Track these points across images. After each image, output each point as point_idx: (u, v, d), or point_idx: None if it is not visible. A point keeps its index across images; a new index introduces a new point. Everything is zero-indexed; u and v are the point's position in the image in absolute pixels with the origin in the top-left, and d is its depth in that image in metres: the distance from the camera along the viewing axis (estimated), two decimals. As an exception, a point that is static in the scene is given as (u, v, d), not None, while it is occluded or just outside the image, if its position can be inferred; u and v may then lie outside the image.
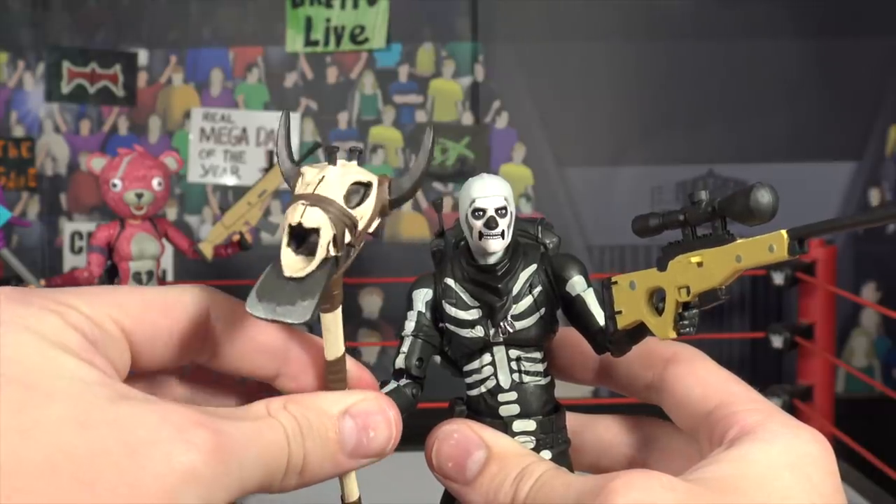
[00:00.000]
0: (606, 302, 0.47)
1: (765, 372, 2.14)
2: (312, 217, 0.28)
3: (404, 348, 0.44)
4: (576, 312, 0.48)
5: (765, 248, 0.56)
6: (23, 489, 0.22)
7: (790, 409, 1.98)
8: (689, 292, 0.47)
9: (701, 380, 0.34)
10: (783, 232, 0.57)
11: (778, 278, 1.92)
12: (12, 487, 0.22)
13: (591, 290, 0.52)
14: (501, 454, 0.33)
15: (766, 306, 2.19)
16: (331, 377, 0.31)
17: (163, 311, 0.29)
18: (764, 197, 0.58)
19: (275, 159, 2.22)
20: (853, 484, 1.72)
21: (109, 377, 0.26)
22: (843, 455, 1.86)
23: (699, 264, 0.50)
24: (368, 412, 0.30)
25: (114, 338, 0.27)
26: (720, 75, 2.16)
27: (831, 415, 1.95)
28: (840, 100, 2.15)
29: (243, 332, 0.30)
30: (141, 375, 0.30)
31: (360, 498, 0.35)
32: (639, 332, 0.49)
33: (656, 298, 0.47)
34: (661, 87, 2.16)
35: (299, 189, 0.29)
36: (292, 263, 0.28)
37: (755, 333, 2.09)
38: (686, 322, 0.45)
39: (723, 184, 2.12)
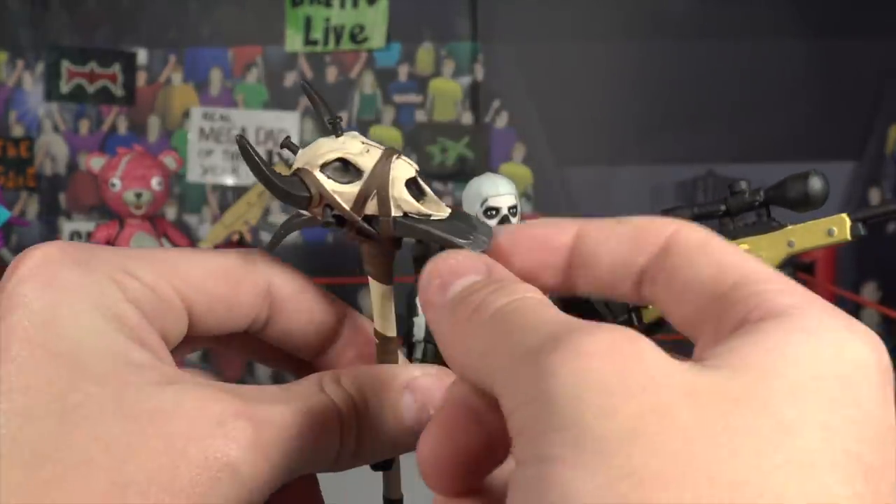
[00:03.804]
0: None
1: (764, 372, 2.14)
2: (411, 164, 0.29)
3: (418, 354, 0.44)
4: (578, 309, 0.48)
5: (822, 232, 0.57)
6: (58, 479, 0.22)
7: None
8: None
9: (715, 257, 0.23)
10: (844, 215, 0.58)
11: (778, 278, 1.92)
12: (50, 478, 0.22)
13: None
14: (499, 278, 0.24)
15: (766, 306, 2.19)
16: (382, 358, 0.31)
17: (224, 279, 0.28)
18: (818, 183, 0.59)
19: (275, 159, 2.22)
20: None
21: (160, 358, 0.25)
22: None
23: (745, 252, 0.51)
24: (429, 387, 0.28)
25: (173, 307, 0.27)
26: (720, 75, 2.16)
27: (831, 415, 1.95)
28: (840, 100, 2.15)
29: (300, 303, 0.29)
30: (195, 339, 0.29)
31: (402, 497, 0.34)
32: (662, 324, 0.49)
33: None
34: (661, 87, 2.16)
35: (358, 151, 0.30)
36: (435, 207, 0.29)
37: (755, 333, 2.09)
38: None
39: (723, 183, 2.12)
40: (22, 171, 2.11)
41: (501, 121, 2.15)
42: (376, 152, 0.28)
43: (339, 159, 0.28)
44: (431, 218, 0.28)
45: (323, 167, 0.28)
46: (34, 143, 2.12)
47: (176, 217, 2.11)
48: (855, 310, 2.19)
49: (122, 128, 2.14)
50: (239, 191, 2.15)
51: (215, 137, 2.11)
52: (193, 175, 2.11)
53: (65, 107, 2.14)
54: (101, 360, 0.24)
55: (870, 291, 2.19)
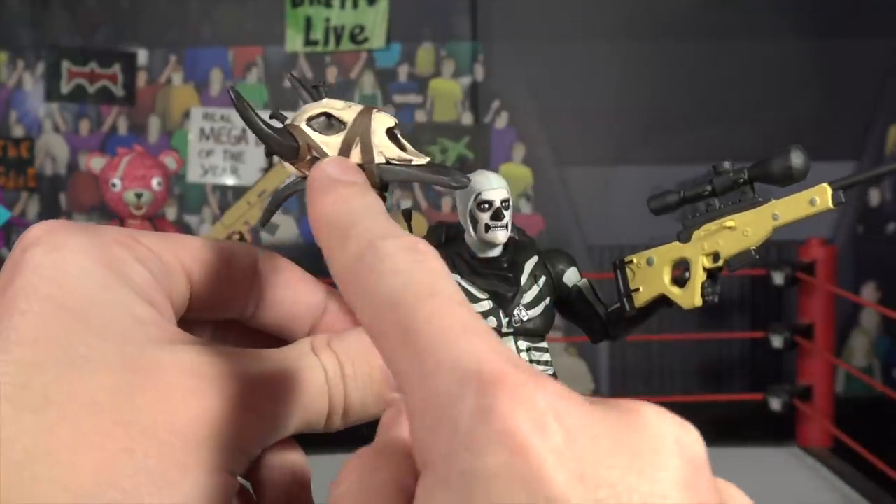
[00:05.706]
0: (621, 282, 0.50)
1: (765, 372, 2.14)
2: (390, 115, 0.31)
3: None
4: (572, 303, 0.49)
5: (805, 202, 0.58)
6: (66, 420, 0.23)
7: (790, 408, 1.98)
8: (716, 259, 0.50)
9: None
10: (825, 185, 0.59)
11: (778, 278, 1.92)
12: (57, 419, 0.23)
13: (585, 280, 0.53)
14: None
15: (766, 306, 2.19)
16: None
17: (218, 252, 0.30)
18: (800, 157, 0.61)
19: (275, 159, 2.22)
20: (853, 484, 1.72)
21: (164, 317, 0.27)
22: (843, 455, 1.86)
23: (731, 228, 0.53)
24: None
25: (175, 272, 0.28)
26: (720, 75, 2.16)
27: (831, 415, 1.95)
28: (840, 100, 2.15)
29: (286, 282, 0.31)
30: (197, 324, 0.31)
31: None
32: (653, 308, 0.51)
33: (680, 270, 0.49)
34: (660, 88, 2.16)
35: (341, 107, 0.31)
36: (414, 154, 0.31)
37: (755, 333, 2.09)
38: (710, 290, 0.48)
39: (723, 184, 2.13)
40: (22, 171, 2.11)
41: (501, 121, 2.15)
42: (357, 107, 0.30)
43: (324, 114, 0.30)
44: (413, 163, 0.30)
45: (309, 121, 0.30)
46: (34, 144, 2.12)
47: (176, 217, 2.11)
48: (855, 310, 2.19)
49: (123, 128, 2.14)
50: (239, 191, 2.15)
51: (215, 137, 2.11)
52: (193, 175, 2.11)
53: (65, 107, 2.14)
54: (107, 313, 0.25)
55: (869, 292, 2.20)
